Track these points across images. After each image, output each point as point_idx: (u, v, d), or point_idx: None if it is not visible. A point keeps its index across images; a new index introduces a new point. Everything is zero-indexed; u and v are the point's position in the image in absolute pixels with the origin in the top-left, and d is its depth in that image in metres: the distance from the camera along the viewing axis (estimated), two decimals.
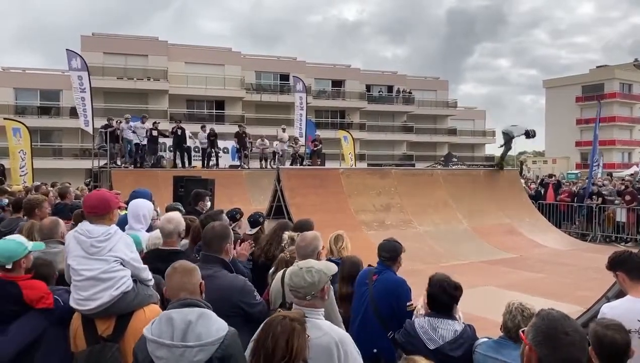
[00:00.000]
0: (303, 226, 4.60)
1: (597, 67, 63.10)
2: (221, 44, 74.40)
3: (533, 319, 1.98)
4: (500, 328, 3.11)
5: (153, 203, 7.07)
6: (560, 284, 9.52)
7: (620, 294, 3.85)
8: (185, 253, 3.98)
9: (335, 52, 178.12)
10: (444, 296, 3.26)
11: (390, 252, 4.05)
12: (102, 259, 3.07)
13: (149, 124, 18.02)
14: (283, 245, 4.29)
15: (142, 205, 4.51)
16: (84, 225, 3.19)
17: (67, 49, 18.14)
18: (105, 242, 3.11)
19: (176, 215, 4.15)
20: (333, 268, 2.81)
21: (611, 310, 3.14)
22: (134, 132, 17.39)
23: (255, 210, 13.85)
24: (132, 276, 3.14)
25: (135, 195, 5.52)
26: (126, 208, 4.80)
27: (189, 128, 20.91)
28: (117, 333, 3.00)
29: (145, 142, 17.33)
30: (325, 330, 2.56)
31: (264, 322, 2.34)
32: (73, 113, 28.05)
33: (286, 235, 4.33)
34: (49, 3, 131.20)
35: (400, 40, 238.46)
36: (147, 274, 3.26)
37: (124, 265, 3.13)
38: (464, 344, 3.14)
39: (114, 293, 3.01)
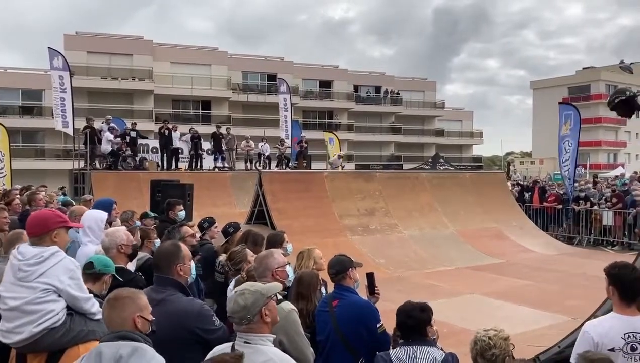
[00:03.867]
0: (270, 241, 4.30)
1: (584, 68, 63.63)
2: (206, 43, 73.91)
3: None
4: None
5: (132, 214, 6.73)
6: (548, 292, 9.33)
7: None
8: (125, 271, 3.71)
9: (322, 52, 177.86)
10: (409, 320, 3.01)
11: (336, 267, 3.68)
12: (30, 287, 2.71)
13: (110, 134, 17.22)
14: (218, 269, 4.02)
15: (88, 217, 4.16)
16: (20, 247, 2.87)
17: (49, 47, 17.70)
18: (36, 266, 2.75)
19: (116, 229, 3.86)
20: (275, 287, 2.62)
21: (594, 329, 2.99)
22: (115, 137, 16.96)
23: (240, 213, 13.71)
24: (71, 307, 2.80)
25: (95, 205, 5.24)
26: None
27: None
28: None
29: (110, 148, 16.69)
30: (269, 355, 2.38)
31: None
32: None
33: (221, 258, 4.04)
34: (30, 1, 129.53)
35: (388, 40, 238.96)
36: (90, 306, 2.87)
37: (59, 295, 2.77)
38: None
39: (34, 330, 2.65)
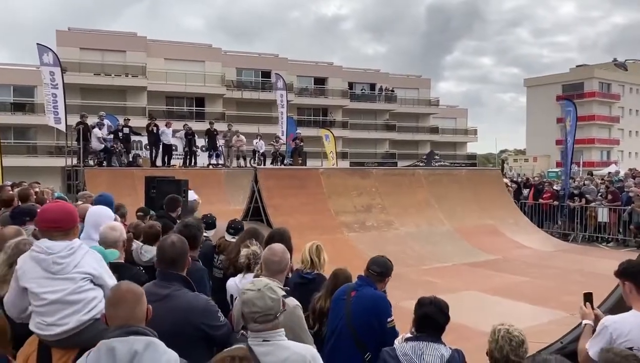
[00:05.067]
0: (279, 237, 4.18)
1: (577, 66, 63.92)
2: (198, 40, 73.48)
3: None
4: (487, 353, 2.81)
5: (124, 208, 6.65)
6: (545, 288, 9.32)
7: (614, 309, 3.60)
8: (126, 266, 3.67)
9: (316, 49, 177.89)
10: (440, 316, 2.97)
11: (382, 268, 3.76)
12: (68, 278, 2.69)
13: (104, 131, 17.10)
14: (241, 262, 3.91)
15: (104, 213, 4.12)
16: (42, 243, 2.80)
17: (38, 44, 17.47)
18: (69, 258, 2.73)
19: (118, 223, 3.81)
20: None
21: (614, 325, 2.93)
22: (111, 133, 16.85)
23: (234, 210, 13.61)
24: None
25: (100, 200, 5.14)
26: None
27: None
28: None
29: (101, 145, 16.54)
30: (294, 349, 2.37)
31: None
32: None
33: (245, 252, 3.93)
34: None
35: (383, 37, 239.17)
36: None
37: (94, 283, 2.75)
38: None
39: (82, 318, 2.63)
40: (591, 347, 2.95)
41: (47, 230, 2.83)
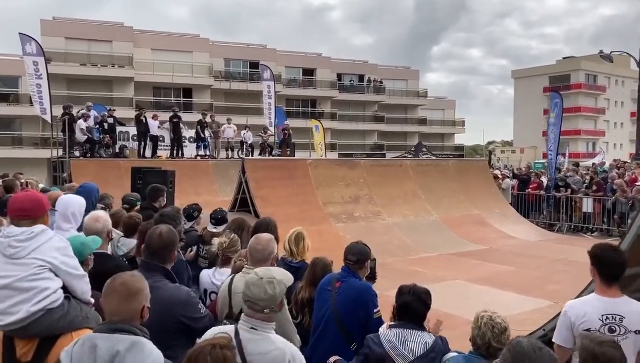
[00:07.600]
0: (264, 227, 4.16)
1: (564, 58, 64.35)
2: (183, 29, 72.70)
3: (504, 351, 1.80)
4: (470, 339, 2.85)
5: (109, 198, 6.57)
6: (530, 277, 9.43)
7: None
8: (110, 257, 3.63)
9: (304, 39, 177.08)
10: (419, 304, 3.01)
11: (357, 256, 3.69)
12: (22, 263, 2.61)
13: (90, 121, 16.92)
14: (212, 251, 3.89)
15: (72, 201, 4.03)
16: (7, 228, 2.77)
17: (20, 33, 17.21)
18: (27, 242, 2.65)
19: (103, 213, 3.77)
20: (291, 278, 2.57)
21: (572, 309, 3.01)
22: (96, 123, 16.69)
23: (222, 201, 13.57)
24: (65, 289, 2.70)
25: (81, 190, 5.10)
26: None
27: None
28: (38, 360, 2.54)
29: (84, 136, 16.36)
30: (278, 344, 2.35)
31: (189, 352, 2.00)
32: None
33: (216, 241, 3.92)
34: None
35: (371, 27, 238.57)
36: (84, 286, 2.81)
37: (55, 273, 2.67)
38: (435, 358, 2.88)
39: (31, 309, 2.53)
40: (555, 334, 3.02)
41: (16, 219, 2.82)
